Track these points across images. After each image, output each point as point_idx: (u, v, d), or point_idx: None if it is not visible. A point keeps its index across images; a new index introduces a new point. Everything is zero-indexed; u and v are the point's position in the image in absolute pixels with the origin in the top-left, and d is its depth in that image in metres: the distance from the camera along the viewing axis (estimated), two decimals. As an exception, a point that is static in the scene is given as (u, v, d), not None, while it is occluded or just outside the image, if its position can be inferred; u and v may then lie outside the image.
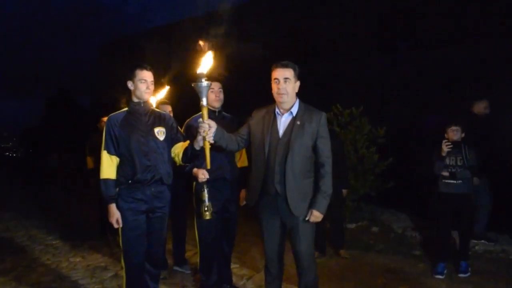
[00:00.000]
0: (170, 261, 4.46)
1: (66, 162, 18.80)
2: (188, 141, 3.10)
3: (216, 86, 3.43)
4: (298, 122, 2.75)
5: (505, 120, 5.18)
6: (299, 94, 2.89)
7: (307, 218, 2.77)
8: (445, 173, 4.33)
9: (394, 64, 8.60)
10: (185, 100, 4.88)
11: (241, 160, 3.68)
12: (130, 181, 2.96)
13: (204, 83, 2.65)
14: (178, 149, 3.13)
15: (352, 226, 5.99)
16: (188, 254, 4.67)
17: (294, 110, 2.80)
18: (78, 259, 4.96)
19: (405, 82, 8.30)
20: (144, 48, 13.09)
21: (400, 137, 7.21)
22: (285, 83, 2.73)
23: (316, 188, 2.78)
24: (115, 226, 2.97)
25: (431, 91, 7.85)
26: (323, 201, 2.75)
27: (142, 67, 3.00)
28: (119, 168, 2.99)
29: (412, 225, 5.84)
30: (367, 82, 8.67)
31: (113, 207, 2.94)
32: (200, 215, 3.17)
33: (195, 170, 3.32)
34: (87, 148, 5.85)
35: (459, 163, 4.31)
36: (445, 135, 4.41)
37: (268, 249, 2.94)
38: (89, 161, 5.81)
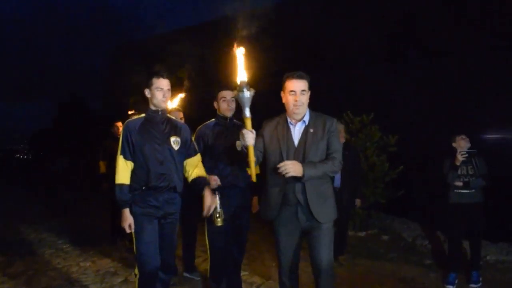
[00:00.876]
0: (179, 267, 4.47)
1: (76, 166, 18.96)
2: (203, 172, 3.18)
3: (228, 95, 3.46)
4: (312, 130, 2.78)
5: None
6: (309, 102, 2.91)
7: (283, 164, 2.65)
8: (459, 183, 4.28)
9: (405, 72, 8.60)
10: (198, 106, 4.94)
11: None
12: (144, 187, 3.00)
13: (247, 93, 2.54)
14: (189, 167, 3.18)
15: (362, 234, 5.96)
16: (197, 261, 4.68)
17: (306, 118, 2.83)
18: (88, 264, 4.99)
19: (416, 89, 8.28)
20: (157, 52, 13.24)
21: (411, 145, 7.18)
22: (302, 95, 2.74)
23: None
24: (127, 231, 3.00)
25: (442, 98, 7.82)
26: (311, 168, 2.66)
27: (159, 75, 3.02)
28: (134, 174, 3.02)
29: (422, 233, 5.79)
30: (378, 89, 8.67)
31: (126, 211, 2.97)
32: (211, 221, 3.19)
33: (207, 176, 3.32)
34: (101, 152, 5.89)
35: (470, 172, 4.27)
36: (453, 144, 4.38)
37: (284, 261, 2.89)
38: (102, 166, 5.85)
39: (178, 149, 3.09)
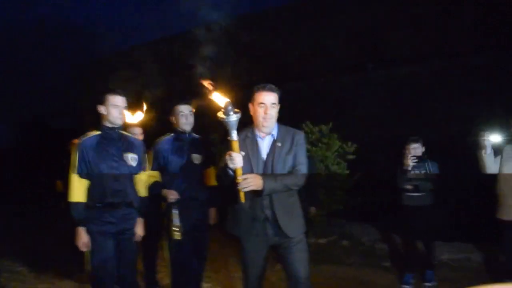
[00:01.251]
0: (141, 283, 4.42)
1: (36, 185, 18.27)
2: (143, 192, 3.27)
3: (186, 109, 3.52)
4: (279, 144, 2.74)
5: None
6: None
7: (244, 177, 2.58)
8: (408, 187, 4.49)
9: (365, 82, 8.91)
10: (158, 122, 4.96)
11: (211, 180, 3.73)
12: (99, 204, 2.99)
13: (233, 116, 2.42)
14: (137, 184, 3.22)
15: (323, 241, 6.10)
16: (159, 276, 4.64)
17: (275, 132, 2.77)
18: (46, 286, 4.84)
19: (375, 99, 8.60)
20: (120, 69, 13.08)
21: (370, 153, 7.43)
22: (272, 107, 2.68)
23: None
24: (82, 249, 2.99)
25: (400, 108, 8.16)
26: (271, 181, 2.61)
27: (114, 92, 3.05)
28: (89, 191, 3.02)
29: (380, 237, 6.00)
30: (339, 99, 8.93)
31: (81, 230, 2.97)
32: (170, 235, 3.22)
33: (164, 191, 3.38)
34: (58, 171, 5.77)
35: (421, 176, 4.49)
36: (407, 151, 4.61)
37: (251, 277, 2.82)
38: (59, 184, 5.74)
39: (135, 165, 3.13)
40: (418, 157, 4.43)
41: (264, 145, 2.76)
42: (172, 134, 3.63)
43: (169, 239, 3.48)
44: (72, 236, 5.16)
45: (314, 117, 6.81)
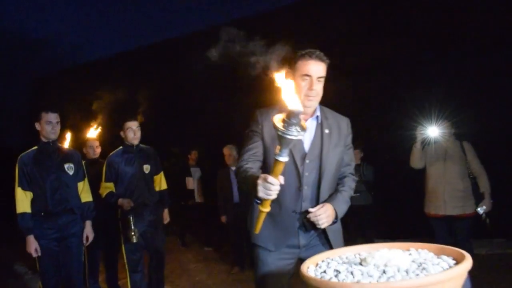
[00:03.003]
0: (104, 289, 4.64)
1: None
2: (88, 198, 3.57)
3: (134, 125, 3.88)
4: (327, 131, 2.09)
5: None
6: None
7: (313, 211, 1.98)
8: None
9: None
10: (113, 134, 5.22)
11: (160, 185, 4.12)
12: (43, 213, 3.30)
13: (296, 133, 1.55)
14: (80, 187, 3.54)
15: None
16: (121, 282, 4.86)
17: (318, 114, 2.12)
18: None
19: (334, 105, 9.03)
20: (79, 84, 13.10)
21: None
22: (318, 82, 2.02)
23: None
24: (34, 255, 3.28)
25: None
26: (343, 205, 2.13)
27: (47, 110, 3.36)
28: (33, 202, 3.32)
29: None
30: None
31: (31, 238, 3.25)
32: (127, 239, 3.57)
33: (120, 200, 3.72)
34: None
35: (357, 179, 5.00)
36: None
37: None
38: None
39: (73, 174, 3.45)
40: None
41: (307, 131, 2.04)
42: (121, 148, 3.96)
43: (125, 243, 3.80)
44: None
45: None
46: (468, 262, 1.28)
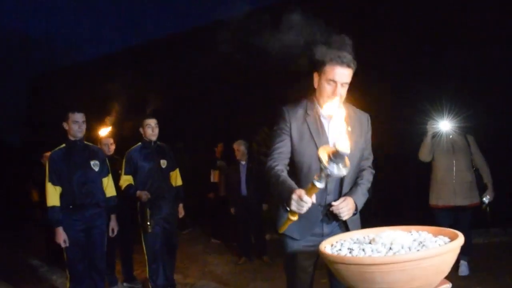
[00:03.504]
0: (120, 280, 4.89)
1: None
2: (112, 192, 3.83)
3: (153, 122, 4.12)
4: (350, 128, 2.15)
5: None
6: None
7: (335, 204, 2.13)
8: None
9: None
10: (125, 132, 5.45)
11: (176, 180, 4.38)
12: (71, 206, 3.55)
13: (338, 170, 1.68)
14: (105, 183, 3.80)
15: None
16: (136, 273, 5.12)
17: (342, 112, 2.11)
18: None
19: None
20: (78, 82, 13.27)
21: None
22: (342, 88, 2.11)
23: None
24: (63, 245, 3.52)
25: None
26: (362, 198, 2.23)
27: (74, 110, 3.61)
28: (61, 196, 3.57)
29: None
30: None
31: (60, 229, 3.50)
32: (145, 229, 3.84)
33: (138, 192, 3.98)
34: (31, 182, 6.13)
35: None
36: None
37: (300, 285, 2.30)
38: (35, 194, 6.09)
39: (98, 170, 3.70)
40: None
41: (331, 129, 2.18)
42: (140, 143, 4.20)
43: (143, 233, 4.07)
44: (49, 241, 5.62)
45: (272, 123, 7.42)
46: (460, 240, 1.52)
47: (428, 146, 4.34)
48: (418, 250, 1.49)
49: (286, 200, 1.90)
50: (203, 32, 11.79)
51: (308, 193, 1.79)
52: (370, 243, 1.67)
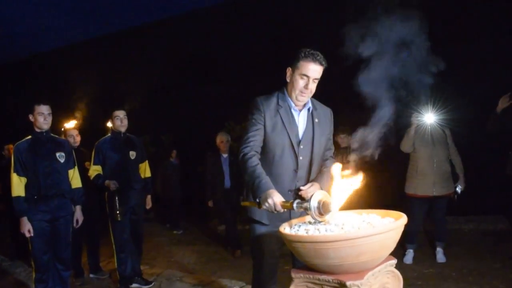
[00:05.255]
0: (86, 272, 4.90)
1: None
2: (78, 184, 3.82)
3: (121, 113, 4.18)
4: (317, 120, 2.40)
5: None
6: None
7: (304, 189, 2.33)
8: None
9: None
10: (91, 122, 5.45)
11: (145, 172, 4.45)
12: (36, 197, 3.58)
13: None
14: (70, 177, 3.81)
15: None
16: (102, 264, 5.14)
17: (309, 105, 2.41)
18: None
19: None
20: (40, 71, 12.87)
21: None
22: (313, 83, 2.30)
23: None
24: (27, 235, 3.54)
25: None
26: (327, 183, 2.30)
27: (40, 102, 3.62)
28: (27, 187, 3.58)
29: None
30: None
31: (24, 219, 3.52)
32: (113, 218, 3.92)
33: (107, 182, 4.04)
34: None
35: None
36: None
37: (266, 268, 2.45)
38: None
39: (64, 162, 3.73)
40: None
41: (301, 120, 2.40)
42: (109, 134, 4.25)
43: (111, 222, 4.13)
44: (15, 234, 5.53)
45: (238, 116, 7.58)
46: (403, 219, 1.73)
47: (411, 138, 4.53)
48: (366, 229, 1.69)
49: (260, 196, 2.08)
50: (186, 19, 11.77)
51: (283, 206, 2.00)
52: (325, 222, 1.86)
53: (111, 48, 12.26)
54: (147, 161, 4.46)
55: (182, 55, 10.87)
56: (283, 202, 2.01)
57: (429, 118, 4.50)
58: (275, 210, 2.01)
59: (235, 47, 10.30)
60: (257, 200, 2.10)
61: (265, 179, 2.16)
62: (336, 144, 4.41)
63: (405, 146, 4.60)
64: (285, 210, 2.02)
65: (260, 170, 2.20)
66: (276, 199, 2.01)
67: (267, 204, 2.03)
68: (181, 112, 10.27)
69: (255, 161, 2.24)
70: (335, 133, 4.84)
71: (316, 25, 8.27)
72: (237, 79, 10.18)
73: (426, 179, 4.50)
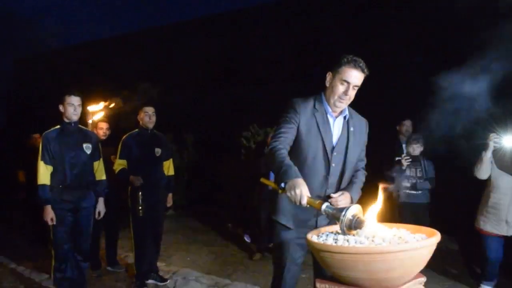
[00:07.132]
0: (103, 264, 4.96)
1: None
2: (102, 176, 3.90)
3: (150, 110, 4.21)
4: (352, 129, 2.37)
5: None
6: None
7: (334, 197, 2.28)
8: (407, 184, 4.64)
9: (311, 87, 9.67)
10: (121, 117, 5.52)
11: (169, 170, 4.47)
12: (61, 186, 3.63)
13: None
14: (94, 170, 3.87)
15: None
16: (119, 257, 5.19)
17: (346, 113, 2.39)
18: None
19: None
20: (66, 64, 13.15)
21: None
22: (353, 90, 2.27)
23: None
24: (49, 223, 3.60)
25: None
26: (357, 194, 2.37)
27: (70, 93, 3.68)
28: (52, 175, 3.64)
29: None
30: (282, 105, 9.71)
31: (48, 207, 3.59)
32: (135, 213, 3.98)
33: (131, 177, 4.07)
34: (19, 162, 6.12)
35: (418, 174, 4.67)
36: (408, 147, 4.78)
37: (288, 275, 2.39)
38: (21, 175, 6.09)
39: (90, 153, 3.78)
40: (412, 157, 4.64)
41: (336, 126, 2.37)
42: (137, 130, 4.30)
43: (133, 217, 4.16)
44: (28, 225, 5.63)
45: (260, 120, 7.57)
46: (437, 237, 1.67)
47: (487, 162, 3.88)
48: (398, 244, 1.64)
49: (286, 181, 2.00)
50: (197, 23, 11.89)
51: (309, 202, 1.94)
52: (353, 235, 1.81)
53: (137, 46, 12.45)
54: (171, 159, 4.49)
55: (209, 57, 10.97)
56: (310, 198, 1.94)
57: (509, 141, 3.80)
58: (300, 202, 1.93)
59: (261, 49, 10.29)
60: (282, 185, 2.02)
61: (295, 168, 2.08)
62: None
63: (479, 172, 3.94)
64: (308, 206, 1.94)
65: (289, 161, 2.14)
66: (304, 191, 1.94)
67: (292, 193, 1.95)
68: (205, 113, 10.34)
69: (284, 153, 2.20)
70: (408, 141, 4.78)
71: (340, 34, 8.16)
72: (261, 83, 10.19)
73: (498, 216, 3.86)
